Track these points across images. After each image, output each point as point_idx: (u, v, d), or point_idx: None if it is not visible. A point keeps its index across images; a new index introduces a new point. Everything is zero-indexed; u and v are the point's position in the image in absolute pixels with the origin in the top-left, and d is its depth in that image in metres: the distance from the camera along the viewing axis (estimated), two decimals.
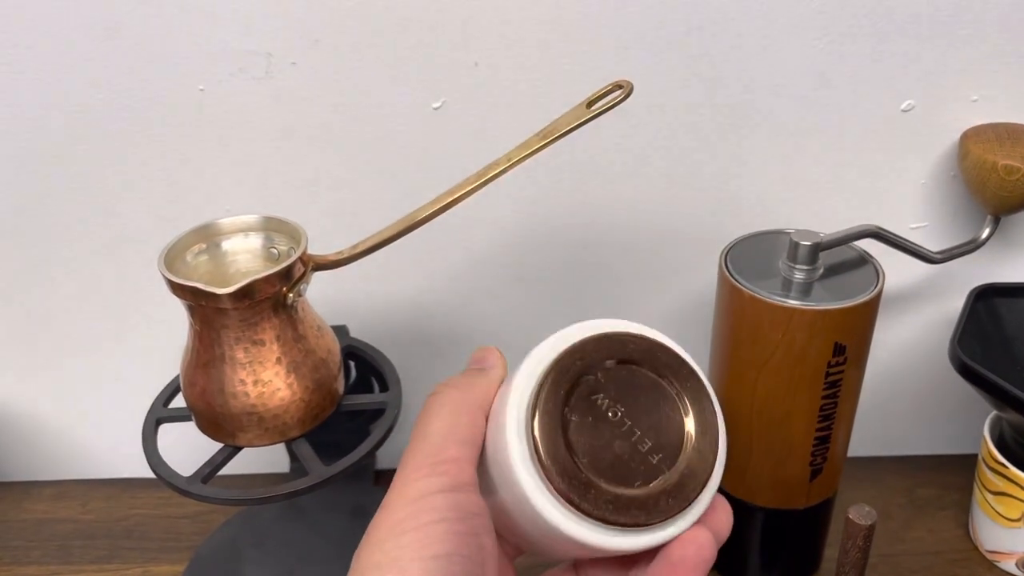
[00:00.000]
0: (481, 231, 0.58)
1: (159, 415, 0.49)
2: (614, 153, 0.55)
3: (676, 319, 0.62)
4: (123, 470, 0.67)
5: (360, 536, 0.57)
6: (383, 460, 0.66)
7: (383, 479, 0.65)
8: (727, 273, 0.47)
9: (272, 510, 0.62)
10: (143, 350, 0.62)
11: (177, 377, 0.51)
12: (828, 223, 0.55)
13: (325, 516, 0.60)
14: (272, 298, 0.42)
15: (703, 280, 0.60)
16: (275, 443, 0.45)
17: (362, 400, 0.49)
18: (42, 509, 0.64)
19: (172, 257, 0.43)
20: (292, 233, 0.45)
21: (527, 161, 0.43)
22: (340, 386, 0.48)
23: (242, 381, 0.43)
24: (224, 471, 0.46)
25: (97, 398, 0.65)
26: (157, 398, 0.50)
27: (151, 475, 0.65)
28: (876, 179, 0.57)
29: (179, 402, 0.49)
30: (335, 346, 0.48)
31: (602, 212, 0.58)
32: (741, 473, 0.50)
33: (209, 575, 0.57)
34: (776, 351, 0.45)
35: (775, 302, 0.44)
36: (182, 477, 0.45)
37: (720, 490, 0.29)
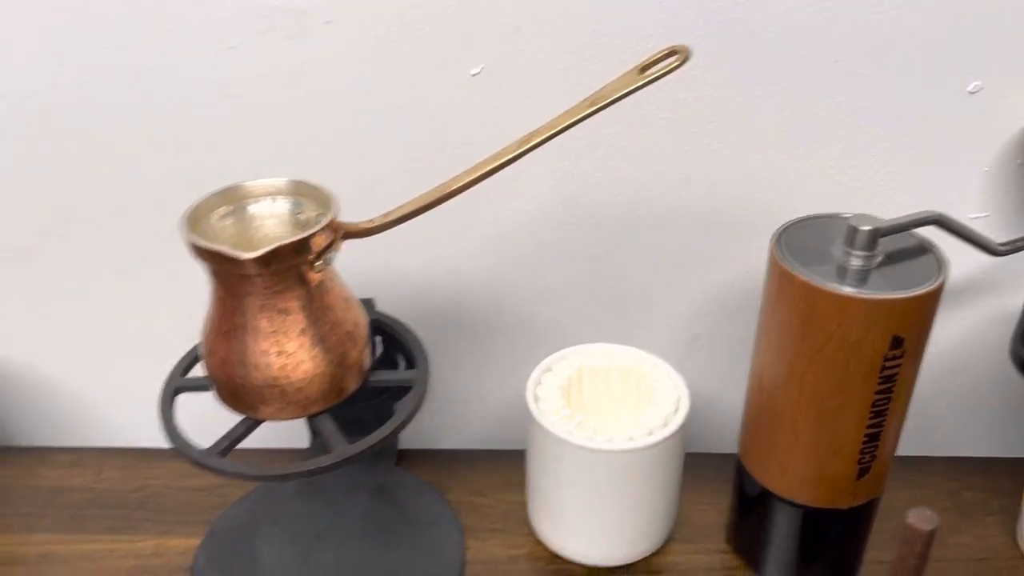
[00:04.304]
0: (516, 207, 0.56)
1: (177, 384, 0.47)
2: (658, 129, 0.53)
3: (719, 305, 0.59)
4: (140, 440, 0.65)
5: (382, 515, 0.56)
6: (406, 440, 0.64)
7: (405, 459, 0.63)
8: (779, 257, 0.44)
9: (291, 486, 0.60)
10: (164, 318, 0.61)
11: (197, 345, 0.49)
12: (881, 209, 0.52)
13: (345, 495, 0.58)
14: (299, 265, 0.40)
15: (749, 265, 0.57)
16: (297, 417, 0.43)
17: (389, 377, 0.47)
18: (56, 476, 0.63)
19: (196, 219, 0.41)
20: (322, 199, 0.43)
21: (566, 136, 0.41)
22: (366, 361, 0.46)
23: (264, 352, 0.41)
24: (241, 444, 0.44)
25: (116, 365, 0.64)
26: (176, 367, 0.48)
27: (168, 446, 0.64)
28: (936, 164, 0.53)
29: (199, 371, 0.47)
30: (363, 319, 0.46)
31: (644, 191, 0.55)
32: (783, 469, 0.48)
33: (224, 550, 0.55)
34: (828, 342, 0.43)
35: (830, 289, 0.42)
36: (199, 449, 0.43)
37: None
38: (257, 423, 0.44)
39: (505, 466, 0.61)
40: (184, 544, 0.57)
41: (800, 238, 0.46)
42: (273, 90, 0.52)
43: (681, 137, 0.53)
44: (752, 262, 0.57)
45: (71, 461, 0.64)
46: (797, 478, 0.48)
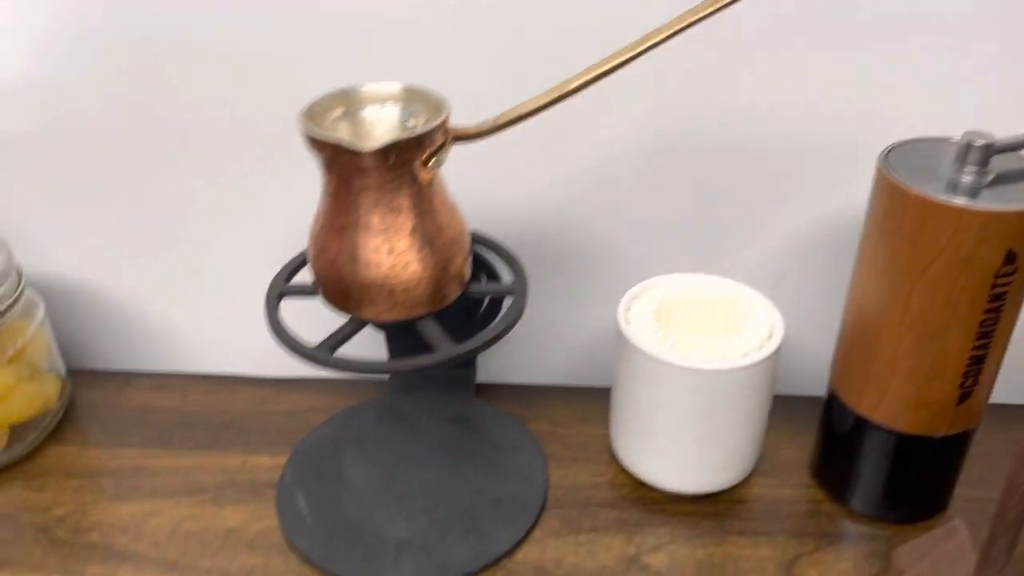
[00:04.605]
0: (605, 139, 0.56)
1: (281, 289, 0.48)
2: (754, 56, 0.52)
3: (806, 244, 0.59)
4: (223, 367, 0.67)
5: (464, 442, 0.56)
6: (484, 374, 0.64)
7: (483, 392, 0.63)
8: (887, 172, 0.44)
9: (372, 413, 0.61)
10: (248, 249, 0.61)
11: (299, 255, 0.50)
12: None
13: (426, 422, 0.59)
14: (412, 162, 0.41)
15: (840, 203, 0.57)
16: (401, 319, 0.44)
17: (489, 287, 0.48)
18: (142, 398, 0.64)
19: (311, 117, 0.42)
20: (434, 103, 0.43)
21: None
22: (467, 272, 0.47)
23: (376, 249, 0.42)
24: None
25: (201, 293, 0.65)
26: (279, 272, 0.49)
27: (251, 373, 0.65)
28: None
29: (300, 279, 0.48)
30: (465, 230, 0.46)
31: (734, 120, 0.55)
32: (881, 394, 0.48)
33: (311, 468, 0.56)
34: (938, 258, 0.42)
35: (942, 201, 0.41)
36: (309, 346, 0.43)
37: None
38: (363, 324, 0.44)
39: (584, 401, 0.62)
40: (270, 462, 0.57)
41: (906, 158, 0.45)
42: (371, 8, 0.52)
43: (775, 63, 0.52)
44: (842, 199, 0.56)
45: (156, 385, 0.65)
46: (895, 402, 0.47)
